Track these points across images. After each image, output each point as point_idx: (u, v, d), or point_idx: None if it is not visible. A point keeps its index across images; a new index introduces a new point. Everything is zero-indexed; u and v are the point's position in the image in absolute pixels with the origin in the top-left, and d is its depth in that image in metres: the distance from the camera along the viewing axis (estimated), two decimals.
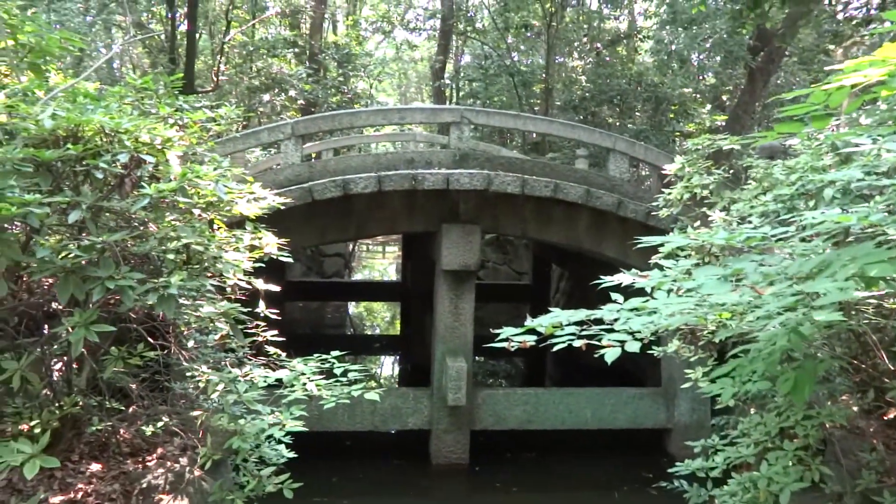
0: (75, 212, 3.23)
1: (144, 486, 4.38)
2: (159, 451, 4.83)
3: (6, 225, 3.23)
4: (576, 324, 2.98)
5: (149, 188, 3.45)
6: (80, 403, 4.29)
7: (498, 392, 9.78)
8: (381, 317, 21.69)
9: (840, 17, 13.68)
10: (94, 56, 17.43)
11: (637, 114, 18.54)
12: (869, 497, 3.90)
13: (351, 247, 22.43)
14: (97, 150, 3.54)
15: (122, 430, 4.83)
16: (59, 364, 4.84)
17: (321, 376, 4.42)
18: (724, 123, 16.06)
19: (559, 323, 3.02)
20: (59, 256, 3.25)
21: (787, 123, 2.51)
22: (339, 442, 9.35)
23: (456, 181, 8.49)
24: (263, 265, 4.56)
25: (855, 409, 4.77)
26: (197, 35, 16.34)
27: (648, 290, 3.24)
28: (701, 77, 18.56)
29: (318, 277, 18.75)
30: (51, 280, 4.10)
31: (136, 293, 3.19)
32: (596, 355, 2.85)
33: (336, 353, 4.57)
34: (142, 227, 3.85)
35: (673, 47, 16.00)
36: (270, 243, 4.66)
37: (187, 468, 4.60)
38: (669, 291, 3.01)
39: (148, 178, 3.86)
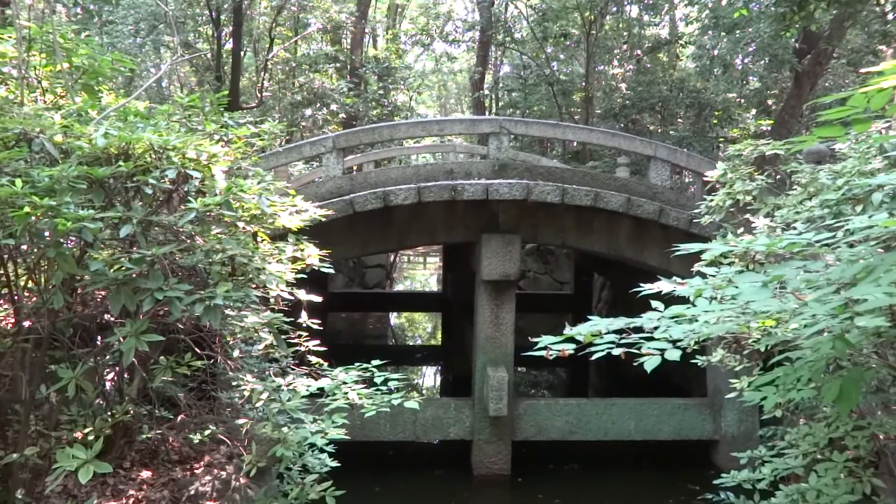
0: (126, 226, 3.36)
1: (192, 493, 4.49)
2: (206, 458, 4.95)
3: (62, 239, 3.37)
4: (615, 332, 2.96)
5: (195, 202, 3.57)
6: (131, 412, 4.43)
7: (539, 402, 9.72)
8: (422, 327, 21.78)
9: (890, 17, 13.28)
10: (145, 76, 18.02)
11: (679, 120, 18.29)
12: None
13: (392, 258, 22.57)
14: (147, 166, 3.68)
15: (170, 438, 4.97)
16: (111, 374, 5.01)
17: (363, 385, 4.48)
18: (769, 128, 15.74)
19: (598, 331, 3.00)
20: (112, 269, 3.38)
21: (828, 127, 2.47)
22: (381, 451, 9.40)
23: (495, 191, 8.51)
24: (306, 277, 4.65)
25: None
26: (241, 53, 16.77)
27: (690, 298, 3.20)
28: (745, 82, 18.20)
29: (359, 288, 18.92)
30: (103, 292, 4.26)
31: (184, 304, 3.30)
32: (636, 363, 2.83)
33: (377, 362, 4.62)
34: (189, 241, 3.98)
35: (715, 52, 15.76)
36: (312, 255, 4.76)
37: (233, 476, 4.70)
38: (711, 299, 2.97)
39: (195, 192, 3.98)
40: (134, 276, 3.32)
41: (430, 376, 16.39)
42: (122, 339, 3.44)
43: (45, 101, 5.49)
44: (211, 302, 3.32)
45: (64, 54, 5.42)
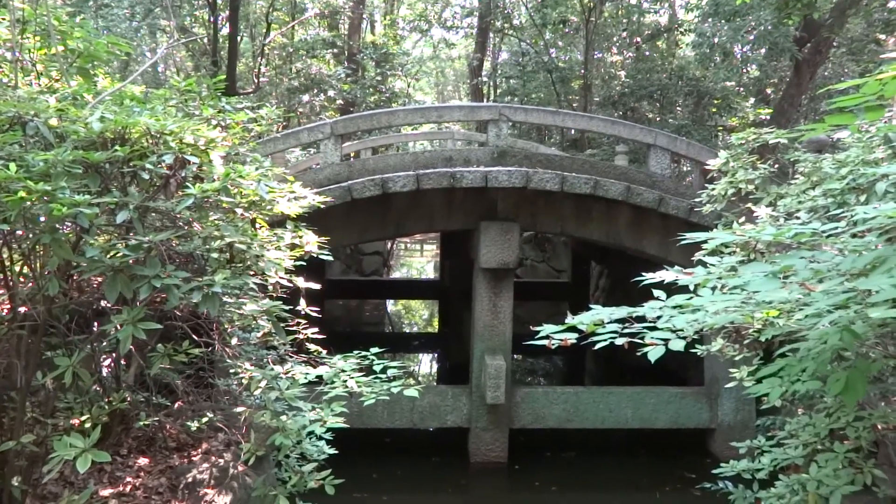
0: (123, 212, 3.31)
1: (190, 480, 4.48)
2: (204, 446, 4.93)
3: (57, 225, 3.32)
4: (617, 321, 2.93)
5: (193, 188, 3.51)
6: (128, 399, 4.40)
7: (537, 390, 9.72)
8: (419, 315, 21.77)
9: (891, 5, 13.20)
10: (141, 60, 17.86)
11: (678, 108, 18.21)
12: None
13: (389, 245, 22.53)
14: (143, 151, 3.63)
15: (168, 426, 4.95)
16: (108, 361, 4.97)
17: (361, 373, 4.45)
18: (768, 117, 15.68)
19: (600, 320, 2.97)
20: (108, 256, 3.33)
21: (838, 115, 2.43)
22: (379, 439, 9.41)
23: (494, 179, 8.45)
24: (304, 264, 4.62)
25: None
26: (238, 38, 16.61)
27: (692, 287, 3.17)
28: (744, 70, 18.12)
29: (357, 276, 18.88)
30: (100, 279, 4.21)
31: (181, 291, 3.25)
32: (639, 353, 2.80)
33: (375, 349, 4.59)
34: (186, 227, 3.93)
35: (715, 40, 15.65)
36: (311, 242, 4.72)
37: (231, 463, 4.69)
38: (714, 289, 2.94)
39: (192, 178, 3.93)
40: (131, 262, 3.27)
41: (427, 364, 16.39)
42: (118, 327, 3.40)
43: (39, 85, 5.41)
44: (209, 290, 3.27)
45: (59, 37, 5.34)
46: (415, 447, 9.81)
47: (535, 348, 3.14)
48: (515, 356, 13.21)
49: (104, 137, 3.62)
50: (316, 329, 4.71)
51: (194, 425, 4.79)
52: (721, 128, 18.02)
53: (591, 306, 3.12)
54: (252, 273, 4.01)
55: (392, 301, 22.01)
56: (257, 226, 4.47)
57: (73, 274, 3.93)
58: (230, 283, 3.48)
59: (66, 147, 3.47)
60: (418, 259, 33.45)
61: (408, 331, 20.24)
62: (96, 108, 4.01)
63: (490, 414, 8.87)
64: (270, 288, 4.41)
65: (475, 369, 9.05)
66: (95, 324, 4.80)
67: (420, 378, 14.51)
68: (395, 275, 26.41)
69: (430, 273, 28.90)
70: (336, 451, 4.81)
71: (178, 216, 3.80)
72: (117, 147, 3.51)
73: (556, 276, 18.53)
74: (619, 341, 2.86)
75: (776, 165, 7.11)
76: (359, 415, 8.02)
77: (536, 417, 9.09)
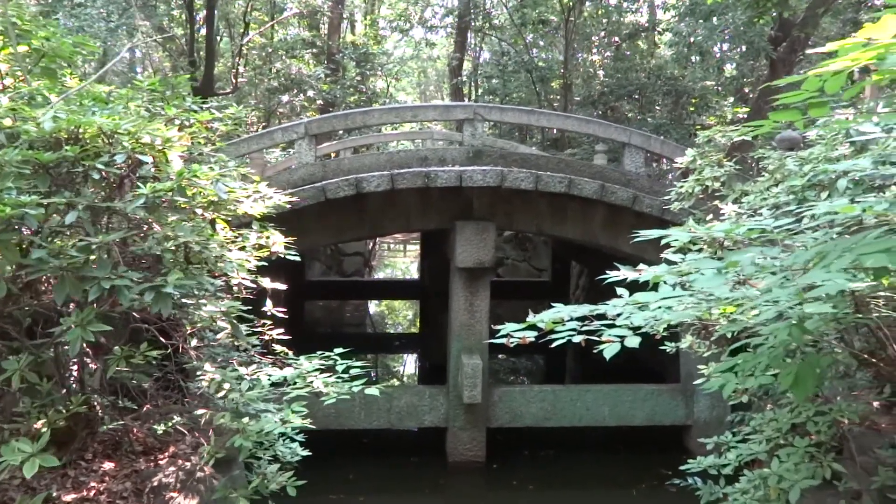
0: (72, 213, 3.26)
1: (155, 484, 4.43)
2: (171, 449, 4.88)
3: (6, 227, 3.26)
4: (578, 319, 2.93)
5: (145, 188, 3.47)
6: (93, 403, 4.34)
7: (514, 389, 9.73)
8: (401, 315, 21.72)
9: (862, 5, 13.35)
10: (119, 60, 17.65)
11: (657, 108, 18.31)
12: (886, 495, 3.79)
13: (371, 245, 22.46)
14: (97, 151, 3.57)
15: (134, 429, 4.88)
16: (76, 364, 4.90)
17: (327, 373, 4.41)
18: (746, 116, 15.79)
19: (560, 318, 2.97)
20: (59, 257, 3.27)
21: (785, 111, 2.44)
22: (356, 440, 9.37)
23: (469, 178, 8.45)
24: (281, 265, 4.58)
25: (875, 404, 4.65)
26: (217, 38, 16.48)
27: (653, 284, 3.17)
28: (721, 69, 18.25)
29: (337, 276, 18.81)
30: None
31: (133, 292, 3.20)
32: (595, 351, 2.81)
33: (339, 349, 4.55)
34: (146, 228, 3.88)
35: (692, 39, 15.77)
36: (277, 242, 4.68)
37: (198, 466, 4.63)
38: (677, 285, 2.94)
39: (151, 178, 3.88)
40: (81, 264, 3.21)
41: (407, 364, 16.36)
42: (72, 327, 3.35)
43: (3, 85, 5.32)
44: (162, 290, 3.23)
45: (20, 36, 5.24)
46: (392, 447, 9.78)
47: (515, 347, 3.14)
48: (498, 356, 13.23)
49: (57, 137, 3.56)
50: (282, 330, 4.67)
51: (160, 428, 4.74)
52: (699, 126, 18.11)
53: (552, 304, 3.13)
54: (214, 274, 3.96)
55: (375, 302, 21.95)
56: (219, 226, 4.42)
57: (37, 278, 3.87)
58: (185, 284, 3.44)
59: (20, 146, 3.41)
60: (401, 259, 33.40)
61: (389, 332, 20.19)
62: (53, 107, 3.94)
63: (467, 413, 8.86)
64: (235, 289, 4.37)
65: (452, 369, 9.04)
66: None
67: (401, 378, 14.48)
68: (377, 275, 26.34)
69: (412, 273, 28.85)
70: (311, 453, 4.78)
71: (134, 217, 3.75)
72: (67, 147, 3.45)
73: (537, 275, 18.57)
74: (577, 339, 2.86)
75: (752, 163, 7.16)
76: (336, 416, 7.98)
77: (514, 416, 9.09)
